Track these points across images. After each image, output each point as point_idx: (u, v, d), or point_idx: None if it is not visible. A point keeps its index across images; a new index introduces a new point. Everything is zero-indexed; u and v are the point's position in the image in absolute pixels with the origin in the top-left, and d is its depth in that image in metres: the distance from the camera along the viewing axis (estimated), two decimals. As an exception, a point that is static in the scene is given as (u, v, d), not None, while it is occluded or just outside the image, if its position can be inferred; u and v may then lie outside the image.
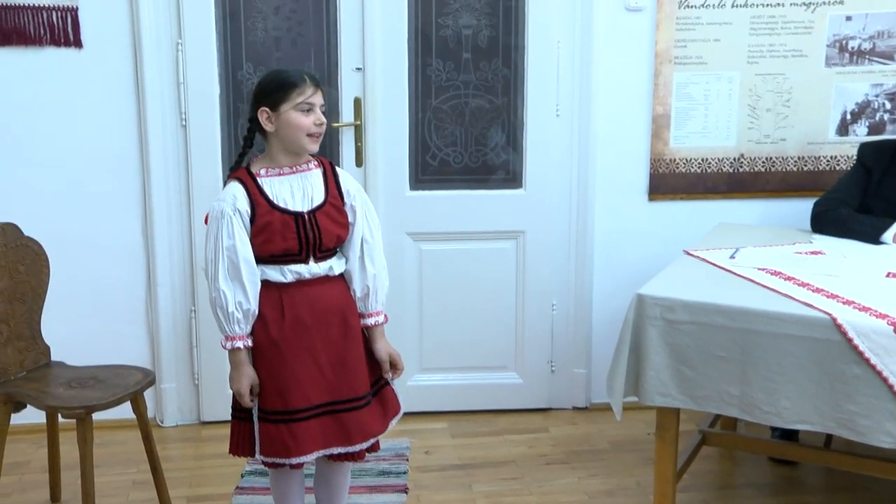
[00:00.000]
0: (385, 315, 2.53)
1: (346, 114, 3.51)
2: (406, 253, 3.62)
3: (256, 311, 2.36)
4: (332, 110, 3.47)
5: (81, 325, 3.49)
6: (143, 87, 3.39)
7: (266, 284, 2.37)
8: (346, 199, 2.46)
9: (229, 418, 2.48)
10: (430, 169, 3.64)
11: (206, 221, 2.43)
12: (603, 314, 3.72)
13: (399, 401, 2.58)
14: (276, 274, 2.37)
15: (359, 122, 3.51)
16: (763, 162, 3.68)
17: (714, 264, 2.85)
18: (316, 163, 2.47)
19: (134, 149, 3.45)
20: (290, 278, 2.37)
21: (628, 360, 2.58)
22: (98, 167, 3.44)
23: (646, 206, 3.68)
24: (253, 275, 2.33)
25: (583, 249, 3.68)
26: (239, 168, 2.43)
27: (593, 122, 3.58)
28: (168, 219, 3.51)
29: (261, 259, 2.35)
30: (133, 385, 2.81)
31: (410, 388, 3.67)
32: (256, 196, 2.34)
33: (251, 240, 2.33)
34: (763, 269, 2.76)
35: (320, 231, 2.37)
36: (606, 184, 3.64)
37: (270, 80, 2.39)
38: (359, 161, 3.53)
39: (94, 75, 3.39)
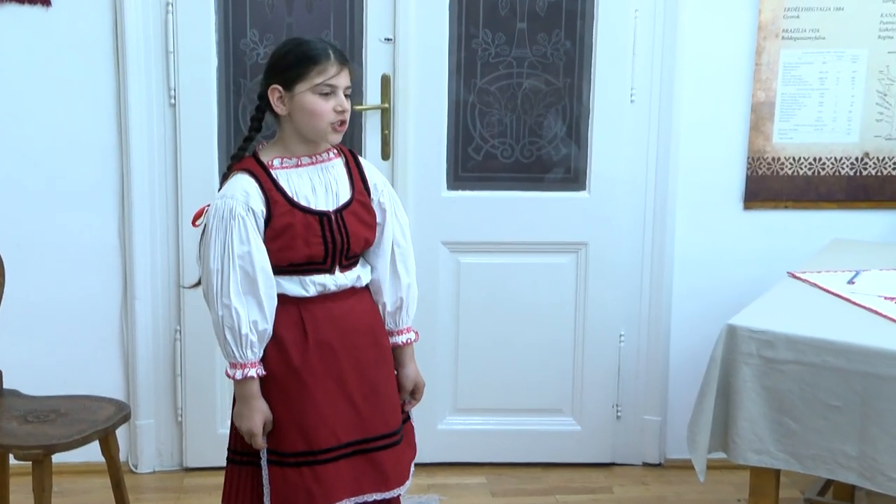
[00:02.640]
0: (416, 332, 2.59)
1: (372, 95, 3.51)
2: (441, 266, 3.62)
3: (271, 332, 2.37)
4: (354, 90, 3.41)
5: (41, 346, 3.51)
6: (125, 57, 3.40)
7: (281, 300, 2.38)
8: (372, 195, 2.50)
9: (218, 464, 2.50)
10: (472, 164, 3.63)
11: (194, 222, 2.44)
12: (683, 349, 3.69)
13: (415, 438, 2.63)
14: (294, 287, 2.39)
15: (387, 105, 3.51)
16: (895, 164, 3.63)
17: (827, 290, 2.84)
18: (335, 151, 2.49)
19: (111, 132, 3.47)
20: (312, 292, 2.40)
21: (715, 406, 2.58)
22: (67, 154, 3.46)
23: (740, 215, 3.67)
24: (270, 288, 2.35)
25: (659, 268, 3.66)
26: (244, 157, 2.44)
27: (676, 110, 3.56)
28: (151, 219, 3.52)
29: (276, 269, 2.37)
30: (103, 421, 2.82)
31: (442, 432, 3.66)
32: (272, 192, 2.36)
33: (265, 245, 2.35)
34: (891, 299, 2.74)
35: (349, 234, 2.40)
36: (691, 187, 3.62)
37: (287, 51, 2.41)
38: (385, 153, 3.53)
39: (65, 40, 3.40)
